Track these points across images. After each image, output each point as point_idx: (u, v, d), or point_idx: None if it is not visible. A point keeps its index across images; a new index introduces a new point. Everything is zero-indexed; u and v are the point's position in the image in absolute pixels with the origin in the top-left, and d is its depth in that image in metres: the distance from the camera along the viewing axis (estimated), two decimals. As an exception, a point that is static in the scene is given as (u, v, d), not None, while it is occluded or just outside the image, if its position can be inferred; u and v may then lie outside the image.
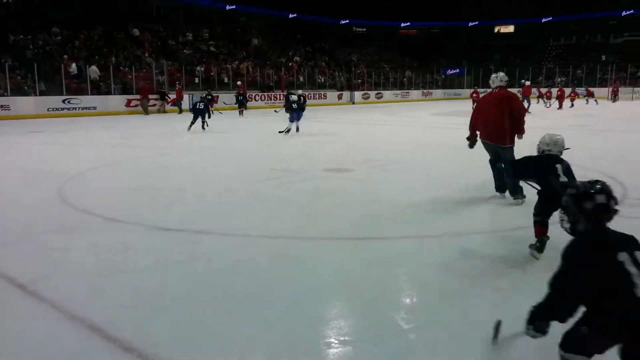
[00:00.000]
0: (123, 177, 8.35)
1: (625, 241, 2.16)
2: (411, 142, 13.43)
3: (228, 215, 5.84)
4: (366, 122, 20.64)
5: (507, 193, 6.29)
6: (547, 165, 4.26)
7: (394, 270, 4.13)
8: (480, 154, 6.64)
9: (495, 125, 6.00)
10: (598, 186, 2.21)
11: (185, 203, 6.45)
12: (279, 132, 14.72)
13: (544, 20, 50.62)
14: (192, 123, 15.71)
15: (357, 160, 9.52)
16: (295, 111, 14.96)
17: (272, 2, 42.81)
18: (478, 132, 6.40)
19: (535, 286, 3.58)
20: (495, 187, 6.39)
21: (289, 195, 6.94)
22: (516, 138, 6.15)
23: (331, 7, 47.31)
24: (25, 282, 3.73)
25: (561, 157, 4.39)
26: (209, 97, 23.14)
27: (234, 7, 40.73)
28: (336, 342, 2.98)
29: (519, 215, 5.72)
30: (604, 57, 46.27)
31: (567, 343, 2.18)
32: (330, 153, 10.81)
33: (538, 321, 2.32)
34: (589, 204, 2.18)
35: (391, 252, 4.56)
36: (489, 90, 6.38)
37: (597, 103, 31.41)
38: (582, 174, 7.90)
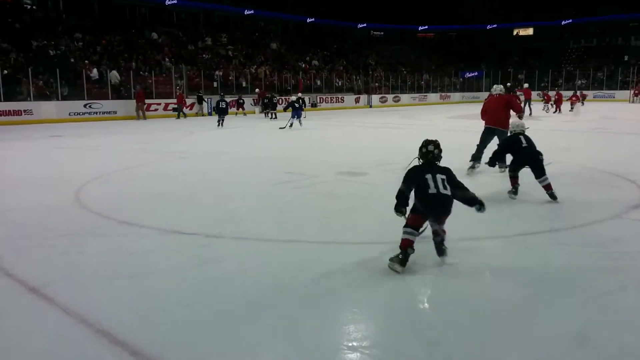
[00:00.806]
0: (139, 180, 8.42)
1: (437, 169, 4.17)
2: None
3: (241, 218, 5.84)
4: (383, 125, 20.56)
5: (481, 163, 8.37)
6: (516, 140, 6.64)
7: (407, 274, 4.08)
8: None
9: (500, 116, 8.44)
10: (431, 140, 4.29)
11: (199, 206, 6.47)
12: (280, 128, 17.86)
13: (563, 22, 49.99)
14: (219, 120, 19.06)
15: (372, 164, 9.47)
16: (296, 110, 18.42)
17: (291, 7, 43.00)
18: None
19: (550, 288, 3.51)
20: (473, 157, 8.59)
21: (303, 198, 6.93)
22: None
23: (349, 11, 47.38)
24: (37, 284, 3.76)
25: (523, 134, 6.65)
26: (240, 100, 24.98)
27: (252, 12, 40.99)
28: (346, 347, 2.95)
29: (530, 220, 5.65)
30: (626, 57, 45.47)
31: (404, 225, 4.07)
32: (346, 156, 10.78)
33: (397, 206, 4.11)
34: (424, 148, 4.25)
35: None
36: (492, 93, 8.97)
37: (583, 104, 29.35)
38: (601, 179, 7.81)
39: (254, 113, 27.57)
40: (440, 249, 4.17)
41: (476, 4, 51.78)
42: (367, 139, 15.31)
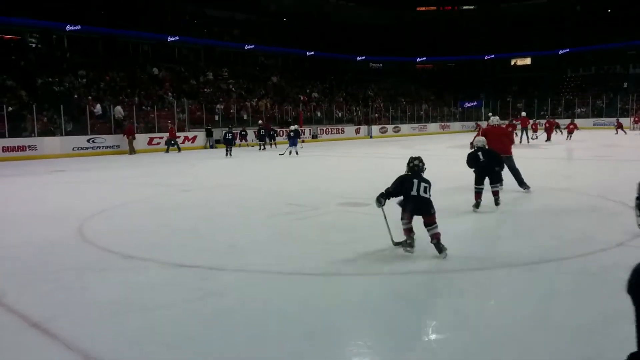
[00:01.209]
0: (142, 214, 8.45)
1: (422, 178, 5.22)
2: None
3: (243, 251, 5.84)
4: (383, 155, 20.66)
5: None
6: (475, 155, 7.72)
7: (411, 307, 4.06)
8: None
9: (504, 145, 9.32)
10: (416, 156, 5.34)
11: (201, 239, 6.48)
12: (279, 154, 20.18)
13: (560, 52, 50.67)
14: (227, 150, 20.89)
15: (373, 194, 9.46)
16: (292, 139, 20.34)
17: (290, 41, 43.76)
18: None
19: (550, 323, 3.48)
20: (519, 184, 9.37)
21: (305, 230, 6.94)
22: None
23: (347, 45, 48.17)
24: (40, 320, 3.75)
25: (482, 149, 7.68)
26: (244, 132, 26.95)
27: (252, 46, 41.71)
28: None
29: (534, 249, 5.63)
30: (625, 84, 45.89)
31: (401, 216, 5.21)
32: (347, 187, 10.81)
33: (381, 198, 5.27)
34: (411, 163, 5.28)
35: (407, 286, 4.50)
36: (491, 124, 10.06)
37: (562, 133, 29.06)
38: (603, 206, 7.81)
39: (257, 145, 27.87)
40: (439, 248, 5.12)
41: (474, 35, 52.61)
42: (368, 169, 15.37)
